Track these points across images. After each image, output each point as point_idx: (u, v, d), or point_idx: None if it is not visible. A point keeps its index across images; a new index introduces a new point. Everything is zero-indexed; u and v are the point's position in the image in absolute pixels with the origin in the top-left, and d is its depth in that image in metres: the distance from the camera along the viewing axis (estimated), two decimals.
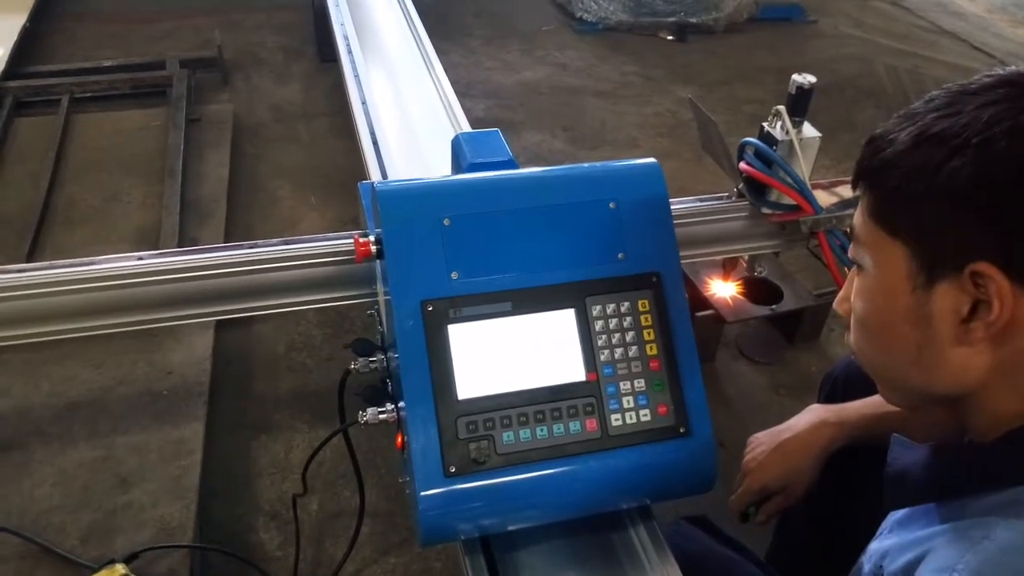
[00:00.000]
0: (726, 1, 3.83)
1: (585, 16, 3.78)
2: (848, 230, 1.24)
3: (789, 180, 1.17)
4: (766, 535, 1.30)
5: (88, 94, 2.77)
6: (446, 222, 0.95)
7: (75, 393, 1.64)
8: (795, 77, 1.17)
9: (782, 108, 1.16)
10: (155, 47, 3.22)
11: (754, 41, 3.79)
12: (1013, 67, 0.64)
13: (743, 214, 1.26)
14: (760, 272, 1.57)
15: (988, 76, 0.64)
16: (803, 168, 1.17)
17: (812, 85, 1.16)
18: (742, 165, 1.23)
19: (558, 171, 1.04)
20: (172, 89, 2.76)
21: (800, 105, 1.17)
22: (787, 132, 1.16)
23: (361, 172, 1.78)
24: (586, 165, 1.04)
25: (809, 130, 1.20)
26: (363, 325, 1.96)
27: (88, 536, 1.36)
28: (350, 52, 2.28)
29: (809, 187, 1.17)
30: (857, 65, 3.63)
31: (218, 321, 1.80)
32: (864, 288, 0.71)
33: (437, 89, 2.08)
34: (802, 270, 2.09)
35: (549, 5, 3.99)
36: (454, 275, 0.94)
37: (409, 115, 2.04)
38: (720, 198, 1.29)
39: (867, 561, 0.78)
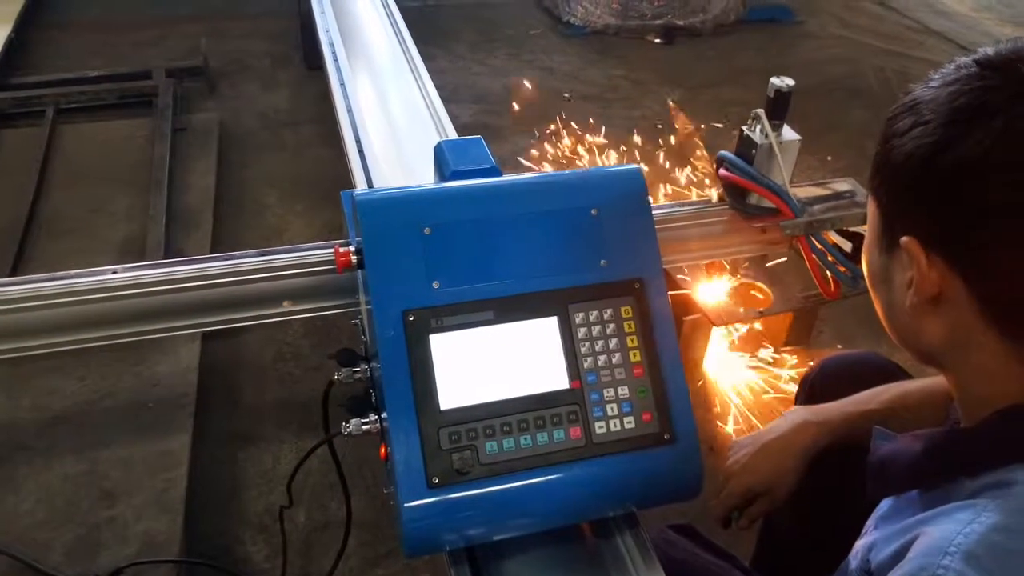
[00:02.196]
0: (713, 3, 3.84)
1: (572, 20, 3.79)
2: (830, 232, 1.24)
3: (768, 184, 1.16)
4: (751, 543, 1.29)
5: (74, 105, 2.76)
6: (426, 231, 0.94)
7: (59, 407, 1.62)
8: (773, 80, 1.16)
9: (761, 112, 1.16)
10: (141, 56, 3.21)
11: (741, 43, 3.80)
12: (1005, 44, 0.64)
13: (723, 218, 1.25)
14: (743, 274, 1.57)
15: (978, 51, 0.65)
16: (783, 171, 1.16)
17: (791, 88, 1.15)
18: (721, 171, 1.22)
19: (539, 178, 1.03)
20: (158, 99, 2.75)
21: (779, 108, 1.16)
22: (766, 136, 1.16)
23: (348, 179, 1.77)
24: (567, 172, 1.04)
25: (789, 133, 1.20)
26: (350, 334, 1.95)
27: (72, 552, 1.35)
28: (336, 59, 2.27)
29: (788, 190, 1.16)
30: (844, 66, 3.64)
31: (205, 332, 1.78)
32: (866, 241, 0.76)
33: (423, 96, 2.07)
34: (790, 271, 2.09)
35: (536, 9, 3.99)
36: (435, 284, 0.93)
37: (395, 122, 2.03)
38: (701, 202, 1.28)
39: (853, 558, 0.78)
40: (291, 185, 2.57)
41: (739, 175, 1.19)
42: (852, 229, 1.22)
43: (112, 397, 1.65)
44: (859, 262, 1.19)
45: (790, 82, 1.16)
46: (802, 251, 1.20)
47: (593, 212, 0.98)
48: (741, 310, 1.85)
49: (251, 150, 2.76)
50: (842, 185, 1.29)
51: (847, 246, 1.20)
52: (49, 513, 1.42)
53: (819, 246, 1.18)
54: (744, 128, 1.20)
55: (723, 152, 1.23)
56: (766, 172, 1.19)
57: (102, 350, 1.44)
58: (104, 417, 1.61)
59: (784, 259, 1.84)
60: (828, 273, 1.19)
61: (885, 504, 0.78)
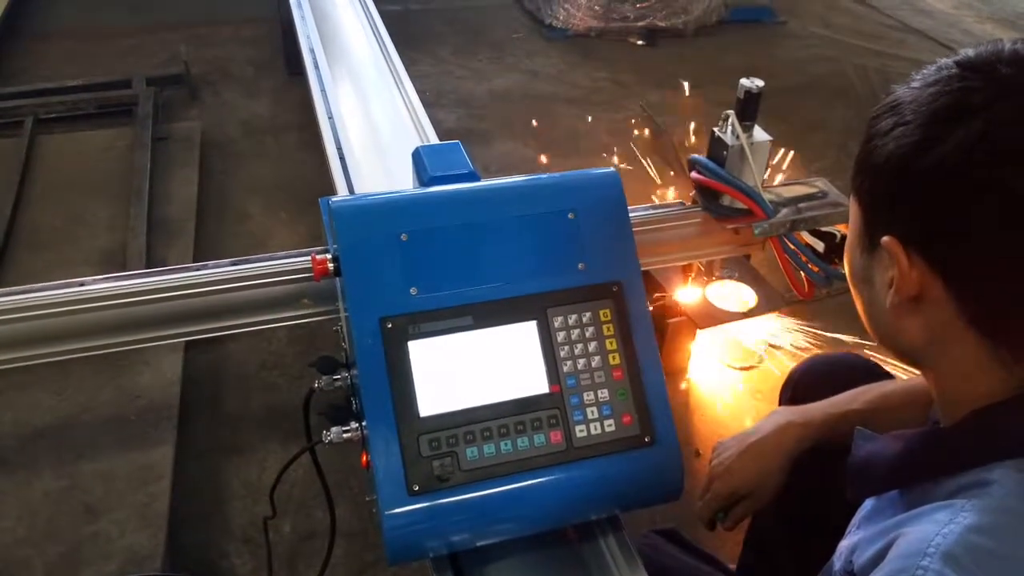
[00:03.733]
0: (695, 4, 3.85)
1: (554, 23, 3.79)
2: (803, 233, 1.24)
3: (740, 185, 1.16)
4: (737, 545, 1.29)
5: (53, 115, 2.73)
6: (403, 237, 0.94)
7: (40, 421, 1.60)
8: (743, 81, 1.17)
9: (731, 113, 1.16)
10: (121, 65, 3.19)
11: (724, 43, 3.81)
12: (985, 46, 0.65)
13: (697, 220, 1.25)
14: (719, 276, 1.57)
15: (960, 52, 0.65)
16: (754, 172, 1.16)
17: (761, 89, 1.16)
18: (693, 174, 1.22)
19: (516, 182, 1.03)
20: (138, 107, 2.73)
21: (749, 109, 1.16)
22: (737, 137, 1.16)
23: (331, 186, 1.76)
24: (545, 176, 1.04)
25: (760, 134, 1.20)
26: (334, 341, 1.94)
27: (54, 570, 1.33)
28: (317, 65, 2.26)
29: (760, 192, 1.16)
30: (827, 65, 3.66)
31: (188, 342, 1.77)
32: (847, 240, 0.76)
33: (405, 101, 2.06)
34: (774, 272, 2.09)
35: (518, 12, 3.99)
36: (413, 291, 0.93)
37: (377, 128, 2.03)
38: (675, 205, 1.28)
39: (837, 559, 0.78)
40: (274, 193, 2.56)
41: (711, 177, 1.19)
42: (824, 229, 1.22)
43: (93, 411, 1.63)
44: (832, 262, 1.20)
45: (760, 83, 1.16)
46: (775, 251, 1.20)
47: (570, 215, 0.98)
48: (725, 312, 1.85)
49: (233, 158, 2.74)
50: (814, 185, 1.30)
51: (820, 246, 1.20)
52: (30, 530, 1.40)
53: (792, 246, 1.18)
54: (715, 130, 1.20)
55: (695, 155, 1.23)
56: (738, 173, 1.19)
57: (83, 363, 1.43)
58: (85, 431, 1.59)
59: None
60: (802, 273, 1.19)
61: (868, 504, 0.78)
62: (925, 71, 0.66)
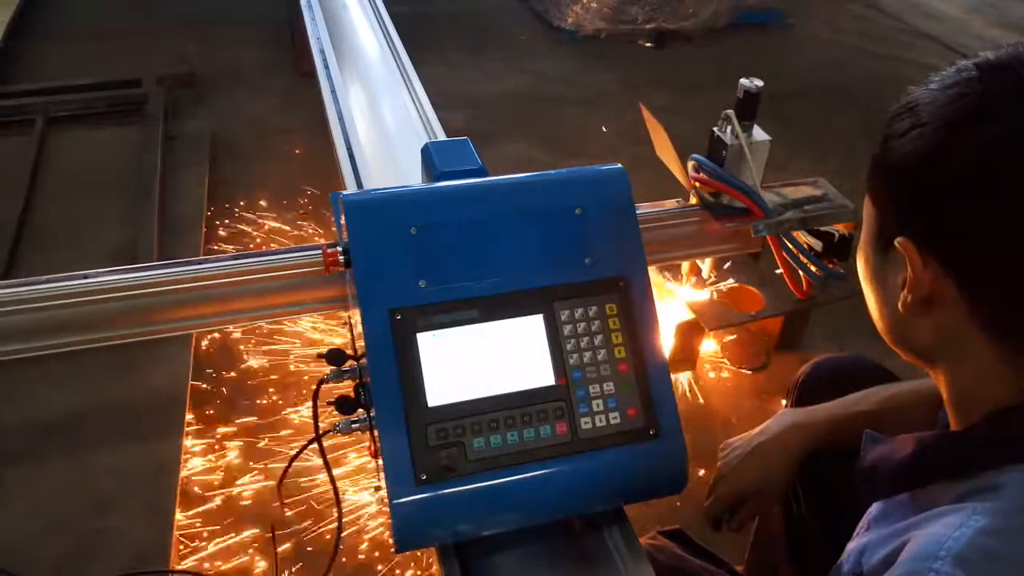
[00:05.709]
0: (703, 7, 3.86)
1: (563, 25, 3.80)
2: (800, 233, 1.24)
3: (739, 184, 1.17)
4: (743, 547, 1.29)
5: (63, 113, 2.75)
6: (413, 231, 0.95)
7: (50, 415, 1.61)
8: (743, 81, 1.18)
9: (731, 112, 1.17)
10: (131, 64, 3.21)
11: (732, 46, 3.82)
12: (1006, 49, 0.64)
13: (696, 219, 1.25)
14: (725, 277, 1.57)
15: (979, 54, 0.65)
16: (753, 172, 1.17)
17: (760, 89, 1.17)
18: (692, 173, 1.23)
19: (524, 178, 1.04)
20: (148, 106, 2.76)
21: (749, 109, 1.17)
22: (737, 136, 1.17)
23: (340, 185, 1.77)
24: (552, 171, 1.05)
25: (759, 134, 1.20)
26: (343, 334, 1.95)
27: (63, 564, 1.34)
28: (327, 66, 2.27)
29: (759, 191, 1.17)
30: (835, 68, 3.66)
31: (198, 335, 1.78)
32: (860, 240, 0.75)
33: (415, 102, 2.08)
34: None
35: (527, 14, 4.01)
36: (422, 283, 0.94)
37: (387, 129, 2.04)
38: (674, 203, 1.29)
39: (845, 561, 0.78)
40: (283, 192, 2.57)
41: (710, 176, 1.20)
42: (823, 228, 1.22)
43: (103, 405, 1.65)
44: (830, 262, 1.20)
45: (759, 82, 1.17)
46: (773, 250, 1.20)
47: (578, 211, 0.99)
48: (733, 314, 1.85)
49: (242, 157, 2.76)
50: (813, 185, 1.30)
51: (818, 245, 1.20)
52: (40, 524, 1.40)
53: (790, 246, 1.19)
54: (715, 129, 1.21)
55: (695, 155, 1.24)
56: (737, 173, 1.20)
57: (93, 357, 1.44)
58: (95, 425, 1.60)
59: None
60: (800, 273, 1.20)
61: (876, 507, 0.78)
62: (944, 73, 0.65)
